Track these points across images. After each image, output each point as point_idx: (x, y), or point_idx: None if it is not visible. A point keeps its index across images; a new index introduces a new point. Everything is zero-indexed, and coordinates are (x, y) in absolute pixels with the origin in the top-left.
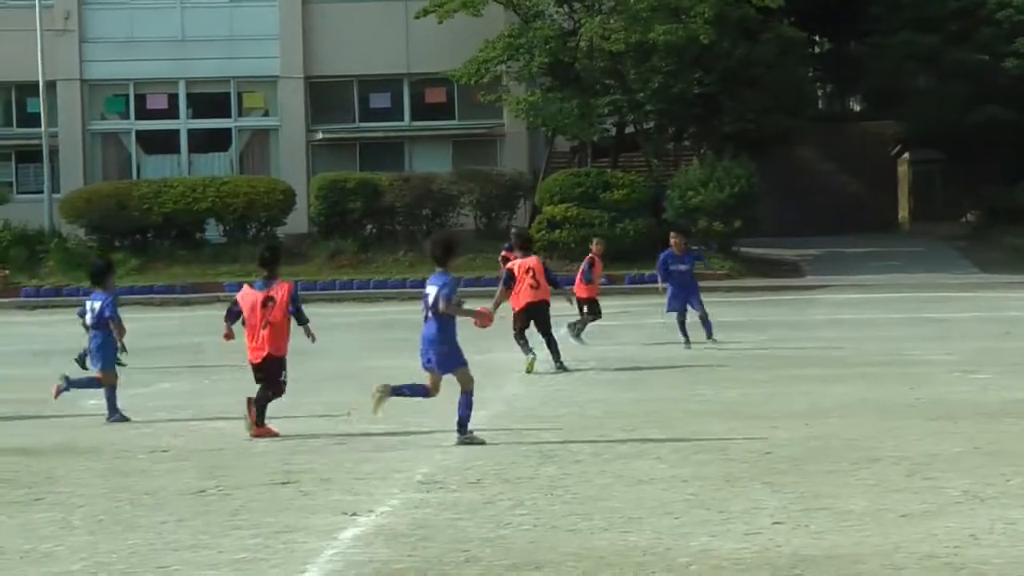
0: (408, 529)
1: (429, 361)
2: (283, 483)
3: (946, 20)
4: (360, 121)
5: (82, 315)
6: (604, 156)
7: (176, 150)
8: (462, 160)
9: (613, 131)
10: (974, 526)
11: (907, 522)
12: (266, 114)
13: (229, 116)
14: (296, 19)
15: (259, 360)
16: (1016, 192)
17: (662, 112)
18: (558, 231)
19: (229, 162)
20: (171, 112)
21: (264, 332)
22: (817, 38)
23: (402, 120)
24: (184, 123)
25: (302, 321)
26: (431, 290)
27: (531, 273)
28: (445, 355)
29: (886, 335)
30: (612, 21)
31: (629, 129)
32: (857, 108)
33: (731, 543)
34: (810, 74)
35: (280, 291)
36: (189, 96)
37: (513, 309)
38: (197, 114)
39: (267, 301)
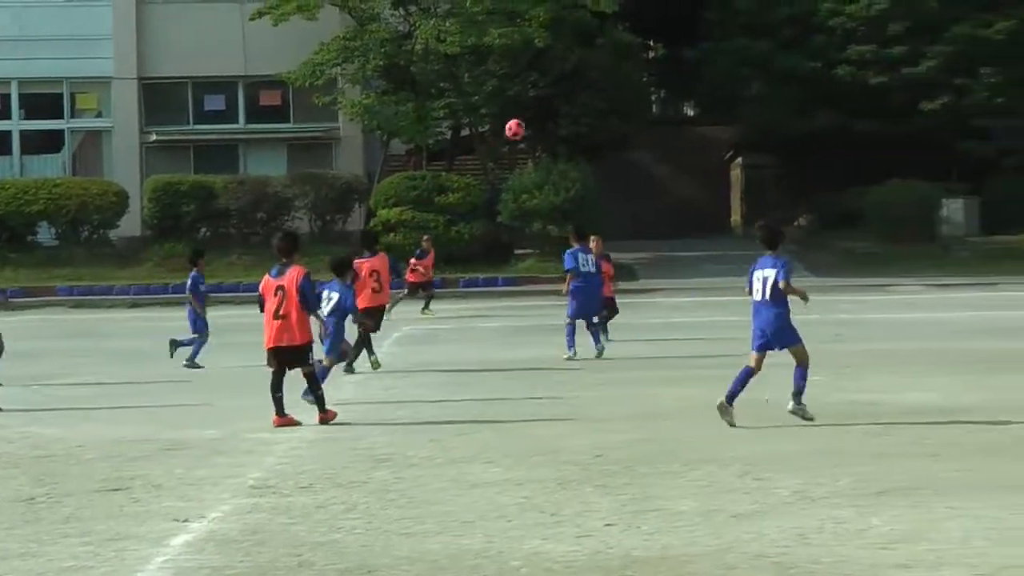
0: (240, 535)
1: (764, 339)
2: (114, 490)
3: (779, 27)
4: (194, 123)
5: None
6: (439, 159)
7: (8, 151)
8: (297, 163)
9: (448, 134)
10: (804, 526)
11: (738, 522)
12: (99, 115)
13: (62, 117)
14: (130, 20)
15: (273, 347)
16: (847, 197)
17: (497, 115)
18: (393, 234)
19: (62, 164)
20: (3, 113)
21: (277, 322)
22: (652, 43)
23: (237, 122)
24: (16, 124)
25: (309, 310)
26: (768, 273)
27: (375, 276)
28: (783, 330)
29: (720, 338)
30: (447, 24)
31: (464, 132)
32: (692, 113)
33: (563, 545)
34: (645, 79)
35: (289, 280)
36: (22, 97)
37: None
38: (30, 115)
39: (278, 290)
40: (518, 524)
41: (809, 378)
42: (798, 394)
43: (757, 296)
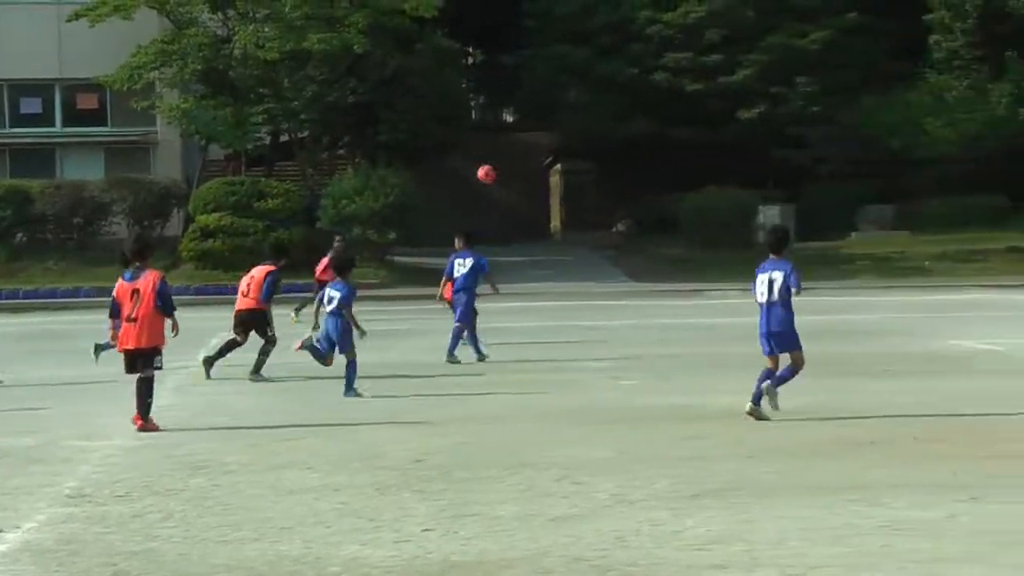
0: (55, 544)
1: (773, 344)
2: None
3: (597, 34)
4: (10, 127)
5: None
6: (259, 165)
7: None
8: (115, 167)
9: (268, 140)
10: (621, 528)
11: (556, 526)
12: None
13: None
14: None
15: (128, 349)
16: (664, 203)
17: (316, 121)
18: (212, 240)
19: None
20: None
21: (131, 325)
22: (471, 49)
23: (54, 126)
24: None
25: (167, 312)
26: (776, 276)
27: (248, 283)
28: (787, 335)
29: (539, 342)
30: (266, 29)
31: (284, 138)
32: (511, 119)
33: (381, 551)
34: (465, 85)
35: (146, 284)
36: None
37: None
38: None
39: (133, 293)
40: (336, 530)
41: (627, 381)
42: (779, 383)
43: (762, 298)
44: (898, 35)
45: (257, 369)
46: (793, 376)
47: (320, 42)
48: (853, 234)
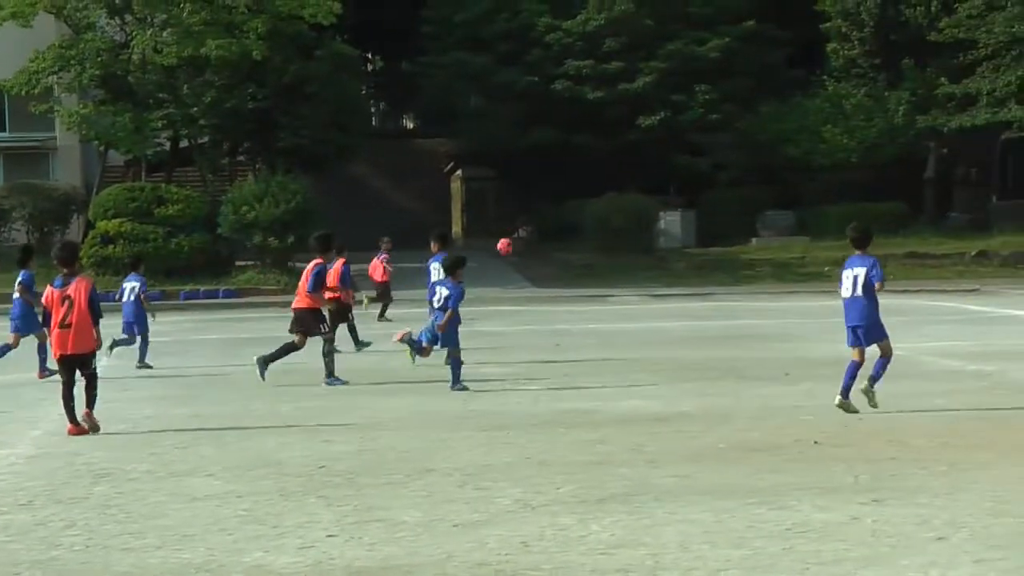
0: None
1: (858, 336)
2: None
3: (497, 41)
4: None
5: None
6: (159, 171)
7: None
8: (14, 173)
9: (168, 145)
10: (525, 533)
11: (460, 531)
12: None
13: None
14: None
15: (61, 355)
16: (565, 209)
17: (216, 127)
18: (112, 246)
19: None
20: None
21: (63, 331)
22: (371, 56)
23: None
24: None
25: (95, 320)
26: (859, 271)
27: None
28: (873, 327)
29: (440, 349)
30: (164, 35)
31: (184, 144)
32: (411, 126)
33: (285, 557)
34: (364, 91)
35: (77, 290)
36: None
37: None
38: None
39: (64, 300)
40: (239, 537)
41: (528, 387)
42: (874, 381)
43: (847, 293)
44: (796, 43)
45: (329, 372)
46: (886, 367)
47: (218, 48)
48: (753, 240)
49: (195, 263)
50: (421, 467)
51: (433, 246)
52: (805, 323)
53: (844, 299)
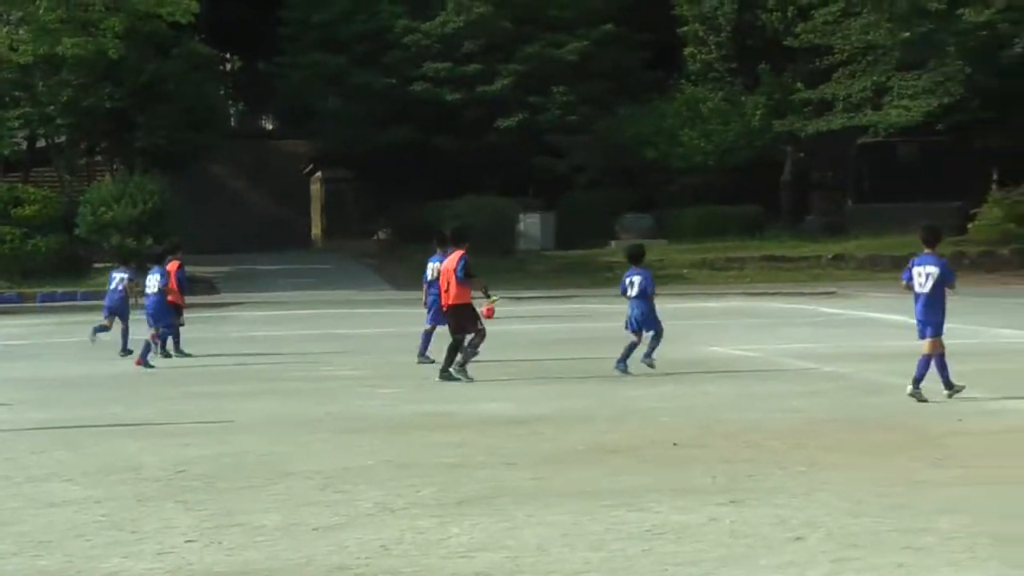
0: None
1: (927, 330)
2: None
3: (354, 42)
4: None
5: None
6: (16, 171)
7: None
8: None
9: (24, 145)
10: (385, 536)
11: (319, 535)
12: None
13: None
14: None
15: None
16: (424, 211)
17: (73, 126)
18: None
19: None
20: None
21: None
22: (229, 56)
23: None
24: None
25: None
26: (931, 270)
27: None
28: (938, 325)
29: (299, 351)
30: (21, 32)
31: (41, 143)
32: (270, 127)
33: (143, 563)
34: (222, 91)
35: None
36: None
37: None
38: None
39: None
40: (97, 543)
41: (387, 390)
42: (945, 380)
43: (919, 288)
44: (653, 46)
45: (464, 362)
46: (933, 368)
47: (74, 46)
48: (613, 242)
49: (52, 264)
50: (280, 470)
51: (439, 245)
52: (664, 325)
53: (916, 294)
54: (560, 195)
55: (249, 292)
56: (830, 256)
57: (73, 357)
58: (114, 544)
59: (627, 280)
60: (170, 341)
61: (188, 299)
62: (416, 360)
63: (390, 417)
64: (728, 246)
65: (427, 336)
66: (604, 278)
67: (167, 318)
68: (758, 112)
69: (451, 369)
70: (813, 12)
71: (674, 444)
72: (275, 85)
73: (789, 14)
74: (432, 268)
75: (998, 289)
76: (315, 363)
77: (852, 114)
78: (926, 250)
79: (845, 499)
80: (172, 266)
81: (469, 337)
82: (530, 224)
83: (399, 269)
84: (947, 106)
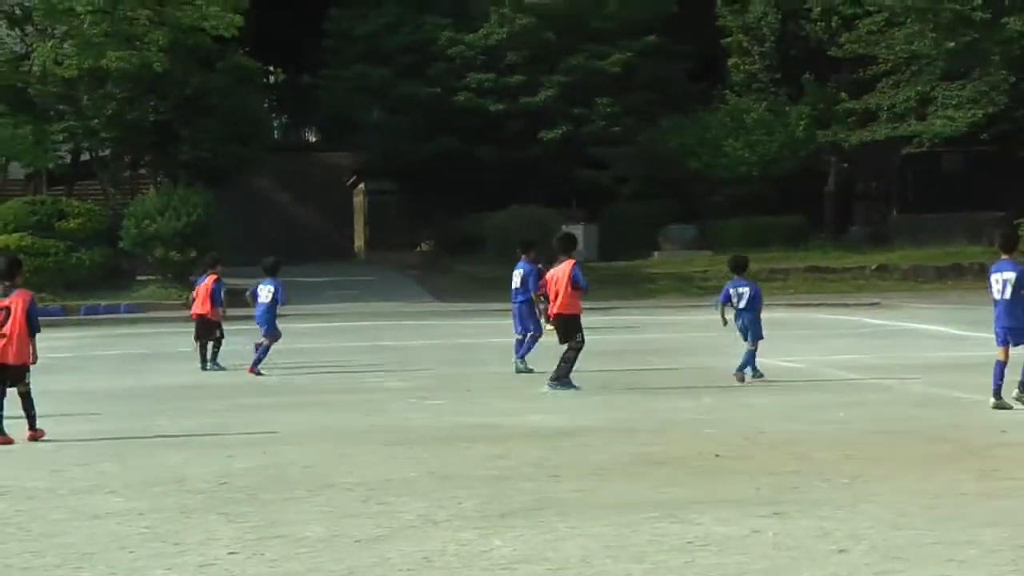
0: None
1: (1006, 337)
2: None
3: (398, 54)
4: None
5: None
6: (60, 184)
7: None
8: None
9: (68, 158)
10: (427, 548)
11: (361, 547)
12: None
13: None
14: None
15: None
16: (467, 222)
17: (117, 139)
18: None
19: None
20: None
21: (2, 340)
22: (273, 68)
23: None
24: None
25: (32, 334)
26: (1008, 275)
27: (555, 289)
28: (1020, 330)
29: (344, 363)
30: (65, 46)
31: (85, 156)
32: (313, 139)
33: (186, 575)
34: (266, 104)
35: (16, 302)
36: None
37: None
38: None
39: (2, 310)
40: (140, 555)
41: (432, 401)
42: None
43: (997, 295)
44: (697, 57)
45: (557, 376)
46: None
47: (119, 60)
48: (656, 253)
49: (96, 277)
50: (323, 482)
51: (522, 254)
52: (708, 336)
53: (995, 301)
54: (603, 206)
55: (294, 304)
56: (874, 267)
57: (117, 370)
58: (157, 556)
59: (731, 290)
60: (209, 350)
61: (232, 312)
62: (515, 368)
63: (435, 429)
64: (772, 256)
65: (521, 344)
66: (647, 289)
67: (274, 328)
68: (802, 122)
69: (547, 384)
70: (857, 22)
71: (717, 455)
72: (319, 97)
73: (833, 24)
74: (517, 275)
75: None
76: (360, 375)
77: (896, 124)
78: (1004, 256)
79: (889, 511)
80: (209, 280)
81: (563, 348)
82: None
83: (443, 280)
84: (991, 116)
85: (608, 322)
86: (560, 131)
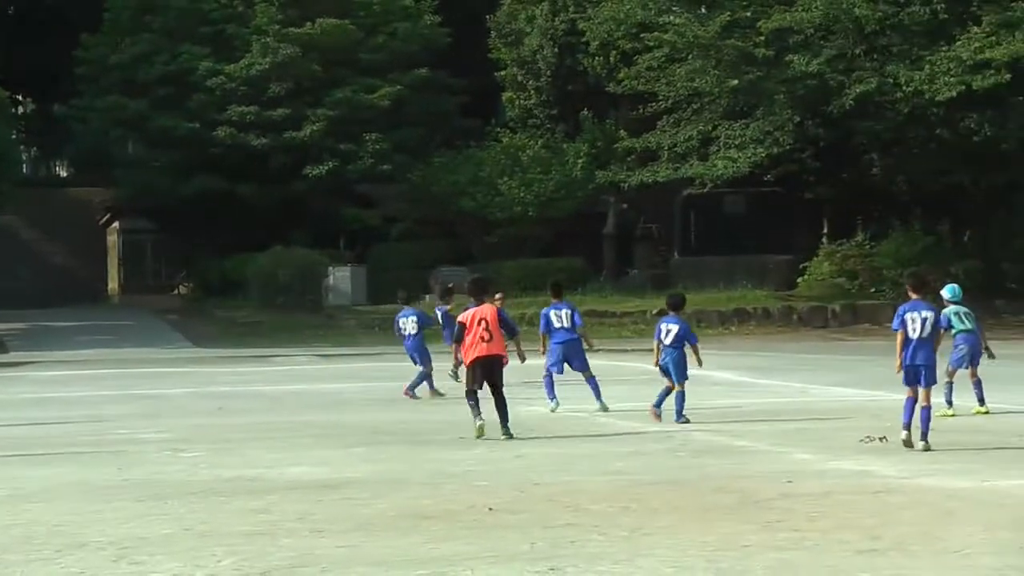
0: None
1: (919, 376)
2: None
3: (155, 85)
4: None
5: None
6: None
7: None
8: None
9: None
10: None
11: None
12: None
13: None
14: None
15: None
16: (228, 264)
17: None
18: None
19: None
20: None
21: None
22: (22, 98)
23: None
24: None
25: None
26: (928, 314)
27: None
28: (932, 370)
29: (95, 413)
30: None
31: None
32: (64, 173)
33: None
34: (14, 136)
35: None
36: None
37: None
38: None
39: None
40: None
41: (189, 453)
42: (925, 434)
43: (914, 334)
44: (471, 92)
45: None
46: (931, 418)
47: None
48: (427, 297)
49: None
50: (73, 541)
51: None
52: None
53: (908, 340)
54: (372, 247)
55: (42, 350)
56: (655, 311)
57: None
58: None
59: (662, 325)
60: None
61: None
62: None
63: (191, 482)
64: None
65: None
66: None
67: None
68: (580, 161)
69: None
70: (637, 57)
71: (490, 509)
72: (71, 129)
73: (612, 59)
74: (555, 315)
75: (827, 345)
76: (111, 426)
77: (678, 164)
78: (914, 296)
79: (670, 564)
80: None
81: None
82: (340, 278)
83: (201, 325)
84: (776, 156)
85: (376, 369)
86: (326, 167)
